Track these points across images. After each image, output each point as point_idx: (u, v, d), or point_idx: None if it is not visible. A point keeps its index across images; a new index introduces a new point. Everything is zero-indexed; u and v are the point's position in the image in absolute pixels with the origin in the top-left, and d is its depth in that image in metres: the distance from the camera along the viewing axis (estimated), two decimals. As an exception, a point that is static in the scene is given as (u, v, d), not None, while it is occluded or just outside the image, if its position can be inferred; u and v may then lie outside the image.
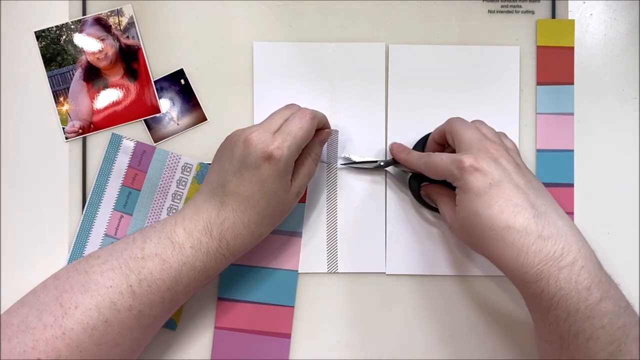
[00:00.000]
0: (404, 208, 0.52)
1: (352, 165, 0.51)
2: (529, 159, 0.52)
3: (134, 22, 0.52)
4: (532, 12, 0.53)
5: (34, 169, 0.51)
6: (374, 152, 0.52)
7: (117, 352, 0.41)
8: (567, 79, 0.53)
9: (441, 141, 0.48)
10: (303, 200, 0.51)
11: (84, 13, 0.52)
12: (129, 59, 0.52)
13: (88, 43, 0.52)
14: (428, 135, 0.50)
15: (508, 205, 0.40)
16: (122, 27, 0.52)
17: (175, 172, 0.51)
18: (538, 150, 0.52)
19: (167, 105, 0.52)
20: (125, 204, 0.51)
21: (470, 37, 0.53)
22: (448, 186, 0.46)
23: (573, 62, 0.53)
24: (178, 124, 0.52)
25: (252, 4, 0.52)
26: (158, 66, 0.52)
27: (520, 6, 0.53)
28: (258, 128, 0.43)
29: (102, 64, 0.52)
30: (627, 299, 0.40)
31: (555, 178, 0.52)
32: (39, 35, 0.51)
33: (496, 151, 0.43)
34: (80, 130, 0.51)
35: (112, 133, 0.51)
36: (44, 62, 0.51)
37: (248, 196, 0.43)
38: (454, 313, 0.51)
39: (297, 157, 0.44)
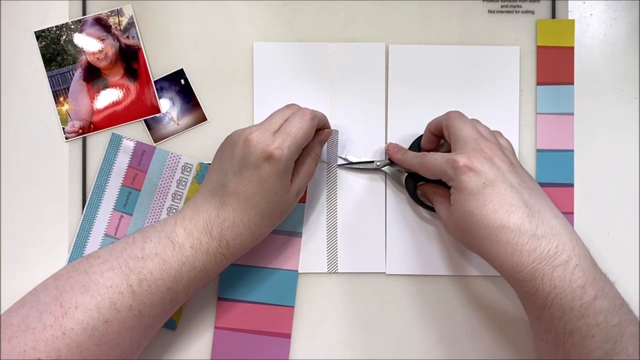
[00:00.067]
0: (404, 208, 0.52)
1: (349, 166, 0.51)
2: (529, 159, 0.52)
3: (134, 22, 0.52)
4: (532, 12, 0.53)
5: (34, 169, 0.51)
6: (374, 152, 0.52)
7: (117, 352, 0.41)
8: (567, 79, 0.53)
9: (437, 133, 0.48)
10: (303, 200, 0.51)
11: (84, 13, 0.52)
12: (129, 59, 0.52)
13: (88, 43, 0.52)
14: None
15: (502, 205, 0.40)
16: (122, 27, 0.52)
17: (175, 172, 0.51)
18: (538, 150, 0.52)
19: (167, 105, 0.52)
20: (125, 204, 0.51)
21: (470, 37, 0.53)
22: (444, 185, 0.46)
23: (573, 62, 0.53)
24: (178, 124, 0.52)
25: (252, 4, 0.52)
26: (158, 66, 0.52)
27: (520, 6, 0.53)
28: (258, 128, 0.43)
29: (102, 64, 0.52)
30: (622, 296, 0.40)
31: (555, 178, 0.52)
32: (39, 35, 0.51)
33: (490, 150, 0.43)
34: (80, 130, 0.51)
35: (112, 133, 0.51)
36: (44, 62, 0.51)
37: (248, 196, 0.43)
38: (454, 313, 0.51)
39: (297, 157, 0.44)
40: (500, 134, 0.48)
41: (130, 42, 0.52)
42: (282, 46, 0.52)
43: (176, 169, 0.51)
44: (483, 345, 0.51)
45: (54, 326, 0.39)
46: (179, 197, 0.51)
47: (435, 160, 0.44)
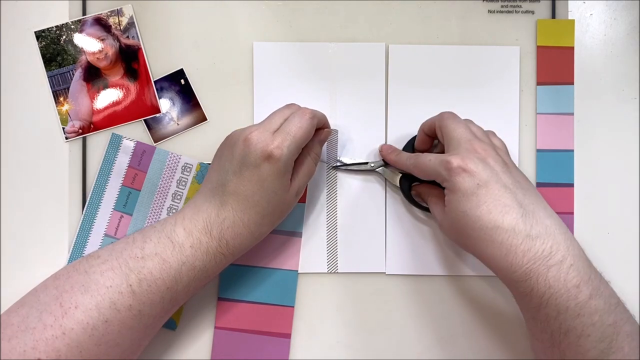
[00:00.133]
0: (404, 208, 0.52)
1: (343, 168, 0.51)
2: (529, 159, 0.52)
3: (134, 22, 0.52)
4: (532, 12, 0.53)
5: (34, 169, 0.51)
6: (374, 152, 0.52)
7: (117, 352, 0.41)
8: (567, 79, 0.53)
9: (431, 133, 0.48)
10: (303, 200, 0.51)
11: (84, 13, 0.52)
12: (129, 59, 0.52)
13: (88, 43, 0.52)
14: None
15: (496, 206, 0.40)
16: (122, 27, 0.52)
17: (175, 172, 0.51)
18: (538, 150, 0.52)
19: (167, 105, 0.52)
20: (125, 204, 0.51)
21: (470, 37, 0.53)
22: (438, 186, 0.46)
23: (573, 62, 0.53)
24: (178, 124, 0.52)
25: (252, 4, 0.53)
26: (158, 66, 0.52)
27: (520, 6, 0.53)
28: (258, 127, 0.43)
29: (102, 64, 0.52)
30: (617, 296, 0.40)
31: (555, 178, 0.52)
32: (39, 35, 0.51)
33: (484, 151, 0.43)
34: (80, 130, 0.51)
35: (112, 133, 0.51)
36: (44, 62, 0.51)
37: (248, 196, 0.43)
38: (454, 313, 0.51)
39: (296, 156, 0.44)
40: (493, 133, 0.48)
41: (130, 42, 0.52)
42: (282, 46, 0.52)
43: (176, 169, 0.51)
44: (483, 345, 0.51)
45: (54, 326, 0.39)
46: (179, 197, 0.51)
47: (429, 162, 0.44)
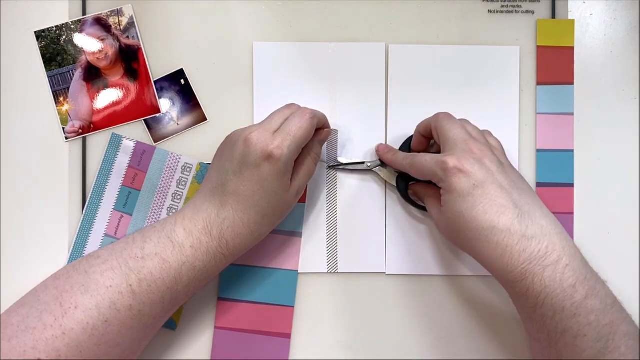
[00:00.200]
0: (405, 208, 0.52)
1: (339, 167, 0.51)
2: (529, 159, 0.52)
3: (134, 22, 0.52)
4: (532, 12, 0.53)
5: (34, 169, 0.51)
6: (372, 152, 0.52)
7: (117, 352, 0.41)
8: (567, 79, 0.53)
9: (427, 134, 0.48)
10: (303, 200, 0.51)
11: (84, 13, 0.52)
12: (129, 59, 0.52)
13: (88, 43, 0.52)
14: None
15: (492, 206, 0.40)
16: (122, 27, 0.52)
17: (175, 172, 0.51)
18: (538, 150, 0.52)
19: (167, 105, 0.52)
20: (125, 204, 0.51)
21: (470, 37, 0.53)
22: (434, 185, 0.46)
23: (573, 62, 0.53)
24: (178, 124, 0.52)
25: (252, 4, 0.53)
26: (158, 66, 0.52)
27: (520, 6, 0.53)
28: (258, 128, 0.43)
29: (102, 64, 0.52)
30: (614, 295, 0.40)
31: (555, 178, 0.52)
32: (39, 35, 0.51)
33: (480, 151, 0.43)
34: (80, 130, 0.51)
35: (112, 133, 0.51)
36: (44, 62, 0.51)
37: (248, 196, 0.43)
38: (454, 313, 0.51)
39: (297, 156, 0.44)
40: (489, 133, 0.48)
41: (130, 42, 0.52)
42: (282, 46, 0.52)
43: (176, 169, 0.51)
44: (483, 345, 0.51)
45: (54, 326, 0.39)
46: (179, 197, 0.51)
47: (425, 162, 0.44)
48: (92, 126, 0.51)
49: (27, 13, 0.52)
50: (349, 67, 0.52)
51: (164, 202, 0.51)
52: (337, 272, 0.51)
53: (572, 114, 0.52)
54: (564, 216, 0.51)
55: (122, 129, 0.52)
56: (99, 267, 0.41)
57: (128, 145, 0.51)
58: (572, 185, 0.52)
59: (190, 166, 0.51)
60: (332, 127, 0.50)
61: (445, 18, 0.53)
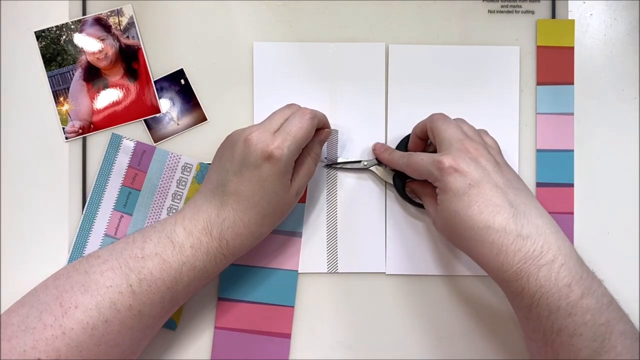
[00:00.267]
0: (405, 208, 0.52)
1: (336, 166, 0.51)
2: (529, 159, 0.52)
3: (134, 22, 0.52)
4: (532, 12, 0.53)
5: (34, 169, 0.51)
6: (369, 151, 0.52)
7: (117, 352, 0.41)
8: (567, 79, 0.53)
9: (423, 136, 0.48)
10: (303, 200, 0.51)
11: (84, 13, 0.52)
12: (129, 59, 0.52)
13: (88, 43, 0.52)
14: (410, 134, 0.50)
15: (487, 206, 0.40)
16: (122, 27, 0.52)
17: (175, 172, 0.51)
18: (538, 150, 0.52)
19: (167, 105, 0.52)
20: (125, 204, 0.51)
21: (470, 37, 0.53)
22: (431, 184, 0.46)
23: (573, 62, 0.53)
24: (178, 124, 0.52)
25: (252, 4, 0.53)
26: (158, 66, 0.52)
27: (520, 6, 0.53)
28: (258, 128, 0.43)
29: (102, 64, 0.52)
30: (611, 294, 0.40)
31: (555, 178, 0.52)
32: (39, 35, 0.51)
33: (476, 150, 0.43)
34: (80, 130, 0.51)
35: (112, 133, 0.51)
36: (44, 62, 0.51)
37: (248, 196, 0.43)
38: (454, 313, 0.51)
39: (297, 156, 0.44)
40: (485, 132, 0.48)
41: (130, 42, 0.52)
42: (282, 46, 0.52)
43: (176, 169, 0.51)
44: (484, 345, 0.51)
45: (54, 326, 0.39)
46: (179, 197, 0.51)
47: (421, 161, 0.44)
48: (92, 126, 0.51)
49: (27, 13, 0.52)
50: (349, 67, 0.52)
51: (164, 202, 0.51)
52: (337, 272, 0.51)
53: (572, 114, 0.52)
54: (564, 216, 0.51)
55: (122, 129, 0.52)
56: (99, 267, 0.41)
57: (128, 145, 0.51)
58: (572, 185, 0.52)
59: (190, 166, 0.51)
60: (332, 127, 0.50)
61: (445, 18, 0.53)
